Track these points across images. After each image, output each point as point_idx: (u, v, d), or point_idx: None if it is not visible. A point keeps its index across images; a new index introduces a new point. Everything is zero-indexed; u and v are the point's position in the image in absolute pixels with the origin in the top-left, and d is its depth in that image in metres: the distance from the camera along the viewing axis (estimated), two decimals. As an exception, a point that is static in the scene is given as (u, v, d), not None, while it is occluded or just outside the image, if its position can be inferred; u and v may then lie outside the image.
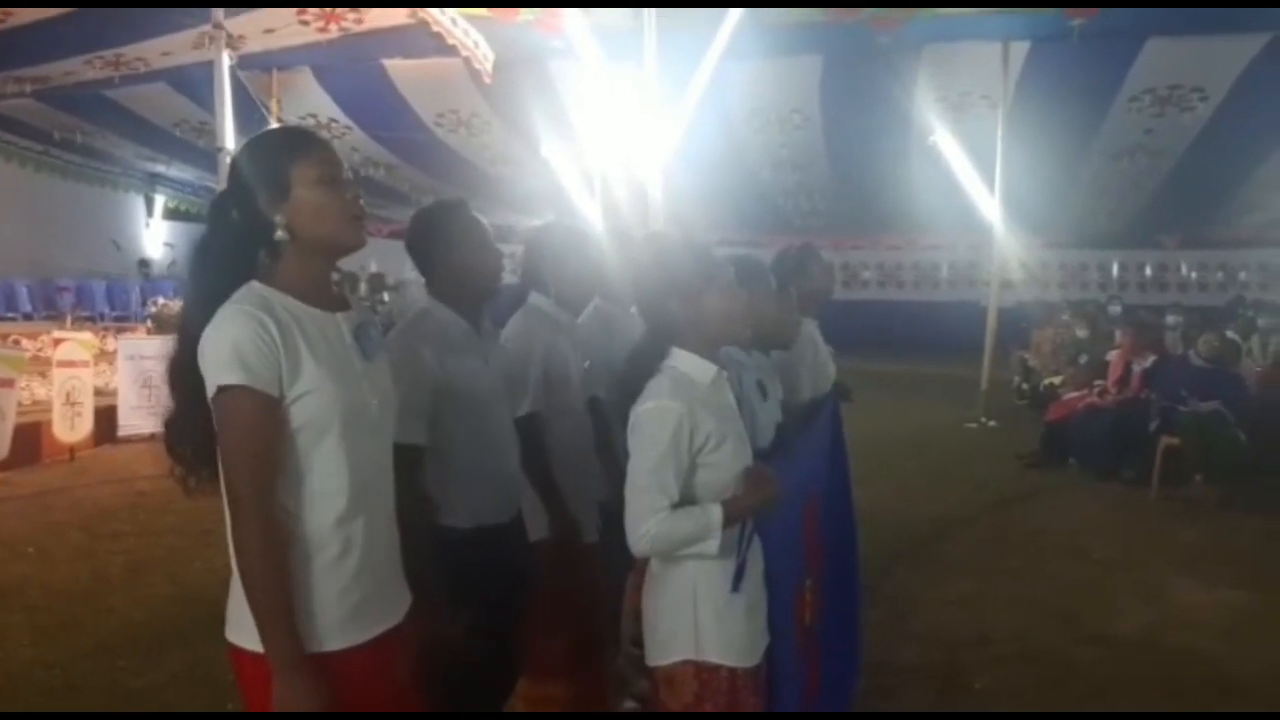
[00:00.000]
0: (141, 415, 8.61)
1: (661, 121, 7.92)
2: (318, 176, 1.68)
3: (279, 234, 1.67)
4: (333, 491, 1.66)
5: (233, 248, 1.69)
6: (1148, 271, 18.08)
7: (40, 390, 8.48)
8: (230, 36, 8.57)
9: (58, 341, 8.56)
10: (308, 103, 11.38)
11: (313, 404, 1.63)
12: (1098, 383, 8.59)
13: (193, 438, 1.67)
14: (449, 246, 2.39)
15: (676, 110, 8.12)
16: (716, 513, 1.94)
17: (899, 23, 8.61)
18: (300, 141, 1.73)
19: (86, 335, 9.04)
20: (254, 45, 9.20)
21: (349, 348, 1.73)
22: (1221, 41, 9.08)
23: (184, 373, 1.65)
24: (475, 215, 2.45)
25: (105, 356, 9.17)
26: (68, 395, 8.11)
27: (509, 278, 2.74)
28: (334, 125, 11.96)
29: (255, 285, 1.66)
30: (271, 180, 1.67)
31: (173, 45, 9.07)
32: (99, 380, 8.78)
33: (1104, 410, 7.96)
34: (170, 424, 1.70)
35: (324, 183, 1.69)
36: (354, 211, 1.73)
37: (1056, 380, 10.13)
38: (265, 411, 1.59)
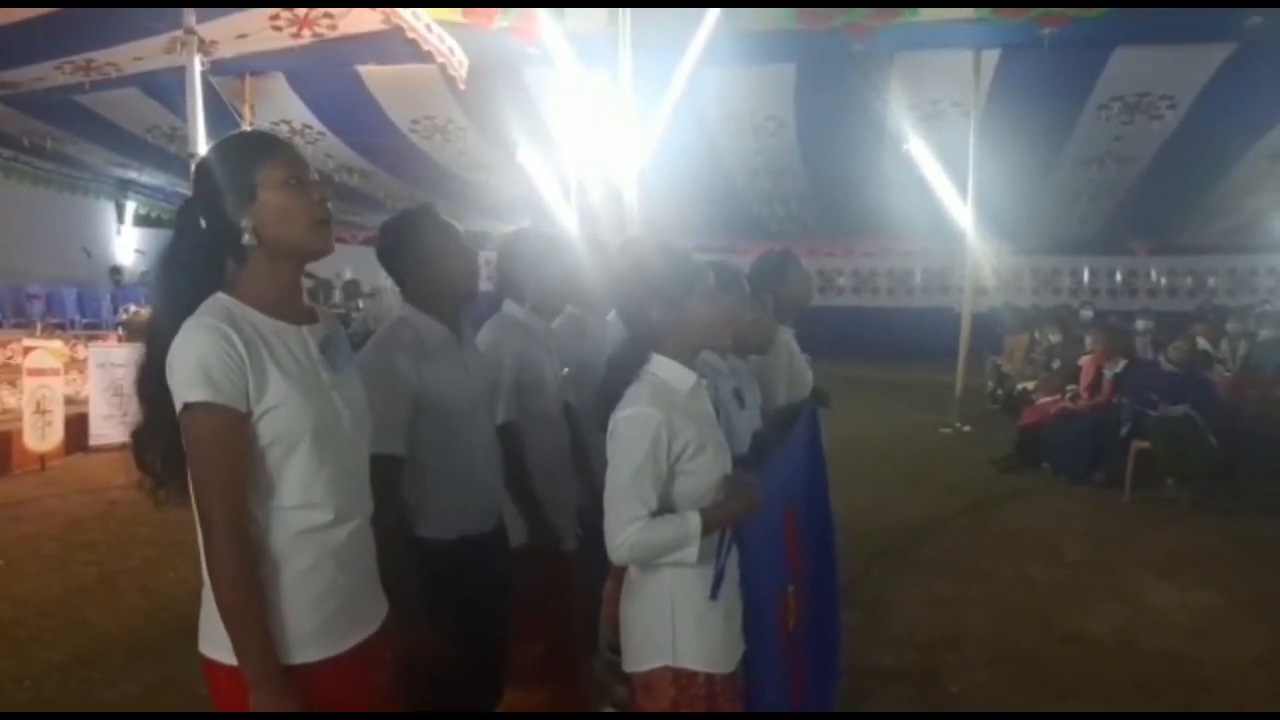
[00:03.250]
0: (113, 424, 8.51)
1: (637, 128, 7.94)
2: (283, 179, 1.68)
3: (246, 238, 1.66)
4: (305, 504, 1.66)
5: (200, 255, 1.69)
6: (1118, 277, 18.30)
7: (10, 399, 8.38)
8: (202, 41, 8.50)
9: (27, 349, 8.43)
10: (281, 108, 11.29)
11: (281, 418, 1.63)
12: (1070, 387, 8.69)
13: (161, 449, 1.66)
14: (421, 253, 2.36)
15: (652, 117, 8.15)
16: (695, 521, 1.95)
17: (872, 31, 8.68)
18: (264, 145, 1.73)
19: (56, 343, 8.91)
20: (226, 50, 9.12)
21: (316, 360, 1.72)
22: (1188, 50, 9.22)
23: (152, 383, 1.64)
24: (445, 219, 2.43)
25: (76, 364, 9.05)
26: (38, 404, 8.00)
27: (484, 284, 2.73)
28: (308, 131, 11.88)
29: (221, 297, 1.65)
30: (237, 184, 1.67)
31: (144, 50, 8.96)
32: (69, 389, 8.66)
33: (1076, 415, 8.05)
34: (138, 435, 1.70)
35: (290, 185, 1.68)
36: (321, 214, 1.72)
37: (1030, 385, 10.23)
38: (232, 427, 1.59)
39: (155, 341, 1.64)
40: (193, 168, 1.73)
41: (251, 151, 1.70)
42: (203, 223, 1.68)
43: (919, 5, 8.38)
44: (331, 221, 1.75)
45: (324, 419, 1.68)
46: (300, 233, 1.70)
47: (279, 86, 10.88)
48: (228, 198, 1.66)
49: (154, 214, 16.17)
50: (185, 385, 1.56)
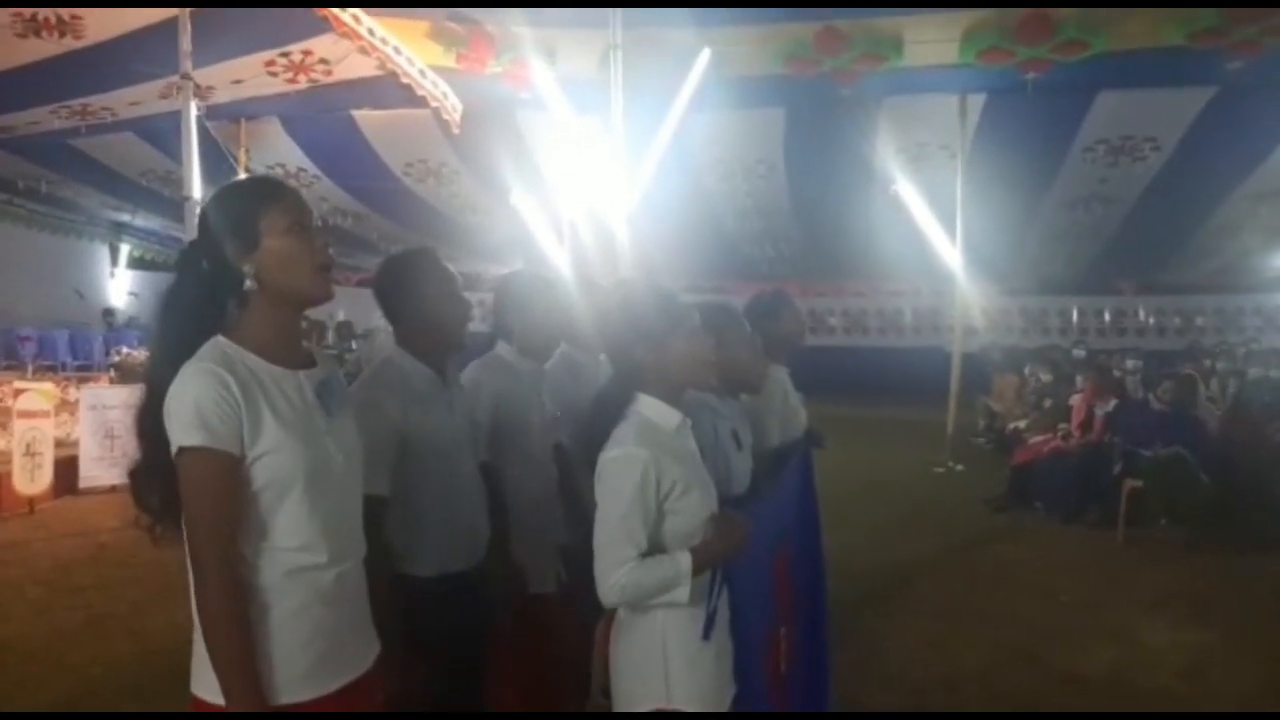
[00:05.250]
0: (104, 466, 8.47)
1: (629, 171, 8.04)
2: (287, 226, 1.70)
3: (248, 284, 1.69)
4: (297, 547, 1.67)
5: (202, 298, 1.71)
6: (1106, 317, 18.42)
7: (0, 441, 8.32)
8: (198, 87, 8.60)
9: (18, 392, 8.40)
10: (276, 152, 11.41)
11: (275, 463, 1.64)
12: (1061, 426, 8.72)
13: (159, 488, 1.68)
14: (417, 295, 2.38)
15: (643, 160, 8.25)
16: (686, 561, 1.95)
17: (859, 76, 8.83)
18: (269, 191, 1.75)
19: (47, 385, 8.88)
20: (222, 95, 9.25)
21: (311, 405, 1.74)
22: (1170, 94, 9.40)
23: (151, 423, 1.65)
24: (444, 264, 2.45)
25: (67, 406, 9.02)
26: (28, 446, 7.95)
27: (478, 326, 2.74)
28: (302, 174, 11.99)
29: (220, 341, 1.67)
30: (241, 230, 1.69)
31: (141, 95, 9.07)
32: (60, 431, 8.61)
33: (1068, 454, 8.07)
34: (136, 474, 1.71)
35: (293, 232, 1.71)
36: (323, 261, 1.75)
37: (1021, 424, 10.26)
38: (226, 472, 1.60)
39: (154, 382, 1.66)
40: (189, 211, 1.76)
41: (256, 198, 1.73)
42: (205, 266, 1.70)
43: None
44: (332, 268, 1.78)
45: (317, 464, 1.69)
46: (302, 279, 1.73)
47: (274, 131, 11.01)
48: (231, 243, 1.69)
49: (148, 256, 16.22)
50: (181, 429, 1.59)
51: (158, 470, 1.67)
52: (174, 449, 1.60)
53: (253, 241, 1.69)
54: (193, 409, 1.58)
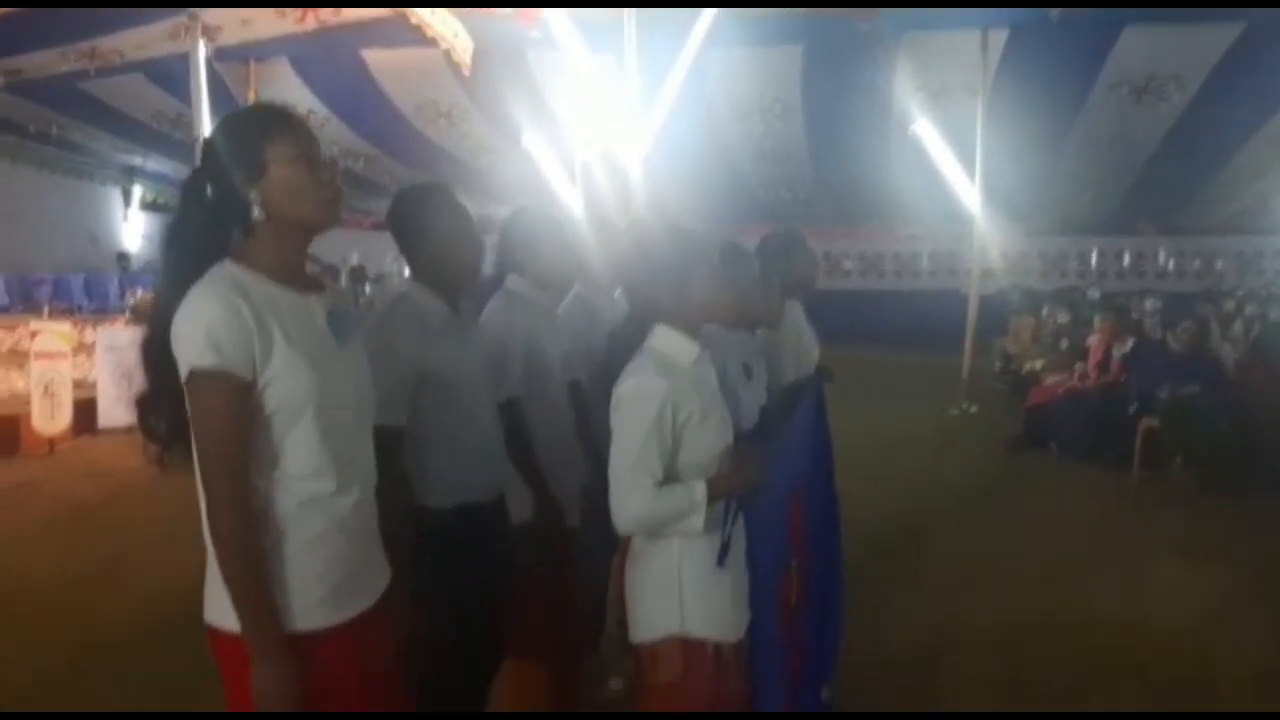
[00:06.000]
0: (122, 407, 8.53)
1: (642, 111, 7.92)
2: (294, 154, 1.67)
3: (255, 213, 1.66)
4: (309, 474, 1.66)
5: (207, 227, 1.68)
6: (1126, 259, 18.20)
7: (18, 382, 8.39)
8: (206, 27, 8.50)
9: (35, 333, 8.47)
10: (285, 94, 11.25)
11: (287, 387, 1.62)
12: (1078, 366, 8.67)
13: (166, 414, 1.67)
14: (431, 229, 2.36)
15: (657, 99, 8.12)
16: (700, 490, 1.95)
17: (878, 11, 8.64)
18: (276, 119, 1.71)
19: (64, 326, 8.94)
20: (231, 36, 9.13)
21: (323, 331, 1.72)
22: (1197, 31, 9.17)
23: (157, 351, 1.64)
24: (458, 199, 2.43)
25: (84, 349, 9.07)
26: (46, 387, 8.04)
27: (485, 269, 2.72)
28: (312, 117, 11.86)
29: (228, 265, 1.64)
30: (247, 158, 1.66)
31: (148, 37, 8.97)
32: (78, 372, 8.68)
33: (1084, 395, 8.03)
34: (143, 401, 1.70)
35: (300, 161, 1.68)
36: (330, 191, 1.72)
37: (1038, 365, 10.21)
38: (238, 395, 1.58)
39: (161, 309, 1.64)
40: (199, 148, 1.73)
41: (262, 126, 1.69)
42: (210, 194, 1.68)
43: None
44: (340, 198, 1.75)
45: (329, 389, 1.67)
46: (310, 208, 1.70)
47: (283, 72, 10.89)
48: (237, 172, 1.65)
49: (160, 200, 16.18)
50: (191, 352, 1.56)
51: (165, 397, 1.65)
52: (183, 372, 1.58)
53: (259, 170, 1.65)
54: (204, 331, 1.55)
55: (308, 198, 1.69)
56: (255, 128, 1.69)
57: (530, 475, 2.69)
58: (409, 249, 2.42)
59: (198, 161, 1.73)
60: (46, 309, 10.39)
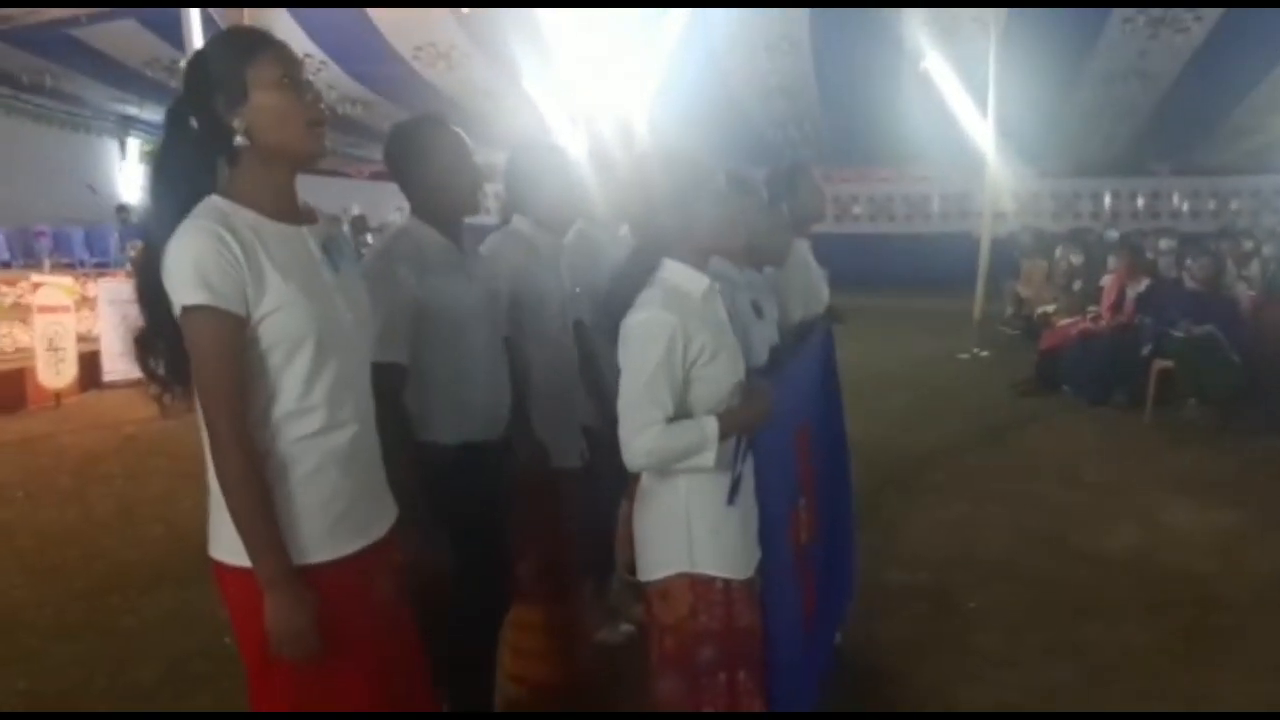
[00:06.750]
0: (126, 360, 8.39)
1: (645, 50, 7.75)
2: (276, 78, 1.63)
3: (238, 139, 1.61)
4: (310, 407, 1.64)
5: (192, 157, 1.65)
6: (1139, 201, 17.92)
7: (22, 336, 8.36)
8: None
9: (37, 286, 8.43)
10: (282, 39, 11.09)
11: (283, 320, 1.60)
12: (1091, 309, 8.56)
13: (165, 353, 1.65)
14: (427, 160, 2.31)
15: (660, 38, 7.95)
16: (712, 425, 1.90)
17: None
18: (256, 42, 1.66)
19: (66, 280, 8.89)
20: (224, -22, 8.95)
21: (318, 261, 1.69)
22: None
23: (151, 288, 1.61)
24: (455, 130, 2.37)
25: (87, 302, 9.03)
26: (50, 341, 8.00)
27: (490, 218, 2.62)
28: (309, 61, 11.67)
29: (215, 199, 1.61)
30: (228, 83, 1.61)
31: (140, -22, 8.81)
32: (81, 326, 8.64)
33: (1097, 337, 7.94)
34: (141, 340, 1.68)
35: (282, 85, 1.63)
36: (314, 115, 1.67)
37: (1050, 308, 10.10)
38: (232, 330, 1.56)
39: (151, 246, 1.61)
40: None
41: (243, 49, 1.64)
42: (193, 124, 1.64)
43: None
44: (325, 122, 1.70)
45: (327, 320, 1.65)
46: (293, 134, 1.65)
47: (279, 16, 10.66)
48: (219, 97, 1.62)
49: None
50: (182, 289, 1.54)
51: (162, 335, 1.63)
52: (176, 310, 1.56)
53: (240, 94, 1.60)
54: (191, 267, 1.53)
55: (291, 123, 1.64)
56: (235, 51, 1.65)
57: (515, 417, 2.62)
58: (407, 182, 2.37)
59: (182, 85, 1.68)
60: (47, 263, 10.34)
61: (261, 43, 1.66)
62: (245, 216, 1.60)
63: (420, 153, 2.33)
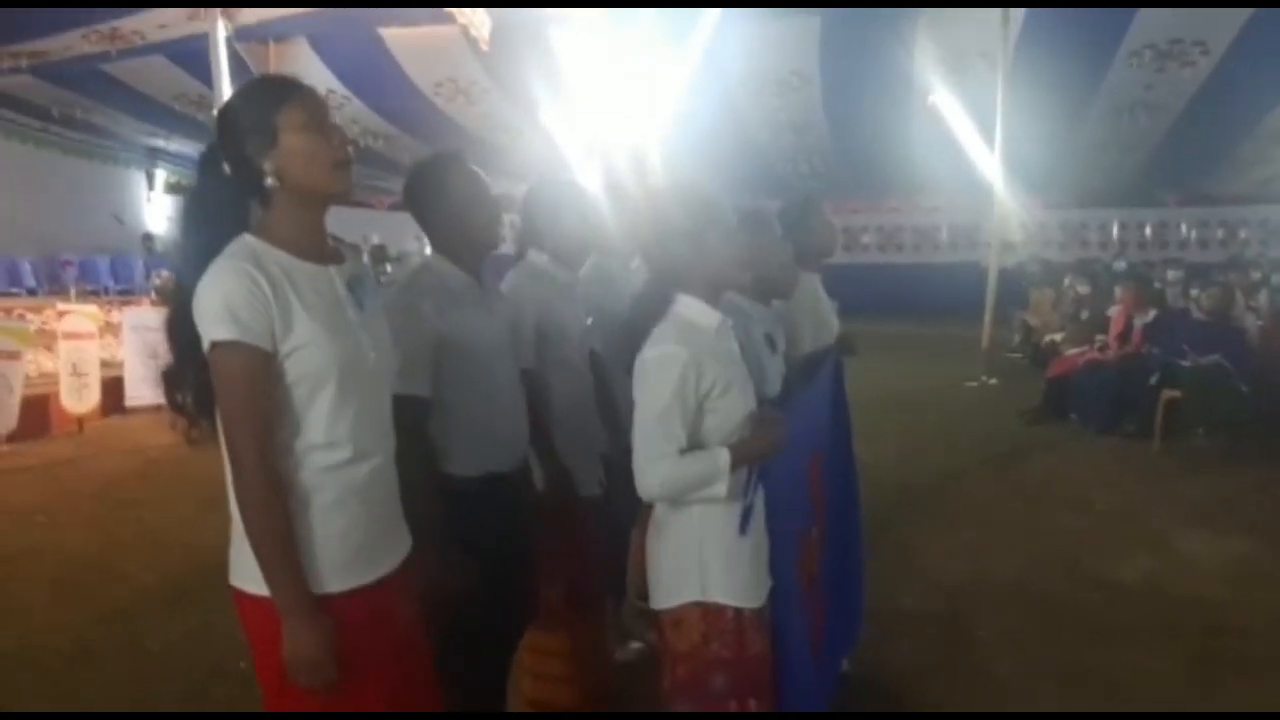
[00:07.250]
0: (149, 386, 8.60)
1: (660, 85, 7.90)
2: (303, 122, 1.70)
3: (269, 181, 1.69)
4: (332, 442, 1.69)
5: (225, 200, 1.72)
6: (1148, 231, 17.97)
7: (47, 363, 8.52)
8: (226, 8, 8.52)
9: (62, 314, 8.59)
10: (305, 74, 10.97)
11: (308, 357, 1.66)
12: (1099, 338, 8.59)
13: (192, 387, 1.71)
14: (444, 196, 2.37)
15: (674, 73, 8.09)
16: (724, 456, 1.95)
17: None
18: (284, 88, 1.74)
19: (91, 308, 9.05)
20: (250, 16, 9.18)
21: (343, 299, 1.75)
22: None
23: (180, 327, 1.68)
24: (472, 167, 2.43)
25: (110, 329, 9.19)
26: (74, 366, 8.15)
27: (505, 248, 2.70)
28: (332, 96, 11.90)
29: (247, 239, 1.68)
30: (258, 128, 1.69)
31: (169, 17, 9.02)
32: (105, 352, 8.81)
33: (1105, 365, 7.96)
34: (169, 375, 1.74)
35: (310, 128, 1.70)
36: (340, 156, 1.74)
37: (1058, 337, 10.13)
38: (259, 365, 1.62)
39: (182, 285, 1.68)
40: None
41: (272, 95, 1.72)
42: (226, 167, 1.72)
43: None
44: (351, 164, 1.77)
45: (350, 358, 1.71)
46: (321, 174, 1.72)
47: (303, 51, 10.92)
48: (250, 141, 1.69)
49: (184, 182, 16.30)
50: (212, 324, 1.60)
51: (190, 371, 1.69)
52: (205, 345, 1.62)
53: (270, 139, 1.68)
54: (221, 304, 1.59)
55: (319, 164, 1.71)
56: (265, 97, 1.72)
57: (540, 447, 2.70)
58: (427, 220, 2.42)
59: (215, 131, 1.76)
60: (73, 291, 10.52)
61: (290, 89, 1.74)
62: (276, 256, 1.67)
63: (438, 191, 2.38)
